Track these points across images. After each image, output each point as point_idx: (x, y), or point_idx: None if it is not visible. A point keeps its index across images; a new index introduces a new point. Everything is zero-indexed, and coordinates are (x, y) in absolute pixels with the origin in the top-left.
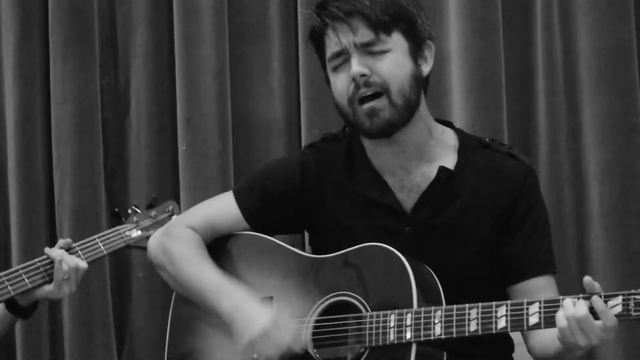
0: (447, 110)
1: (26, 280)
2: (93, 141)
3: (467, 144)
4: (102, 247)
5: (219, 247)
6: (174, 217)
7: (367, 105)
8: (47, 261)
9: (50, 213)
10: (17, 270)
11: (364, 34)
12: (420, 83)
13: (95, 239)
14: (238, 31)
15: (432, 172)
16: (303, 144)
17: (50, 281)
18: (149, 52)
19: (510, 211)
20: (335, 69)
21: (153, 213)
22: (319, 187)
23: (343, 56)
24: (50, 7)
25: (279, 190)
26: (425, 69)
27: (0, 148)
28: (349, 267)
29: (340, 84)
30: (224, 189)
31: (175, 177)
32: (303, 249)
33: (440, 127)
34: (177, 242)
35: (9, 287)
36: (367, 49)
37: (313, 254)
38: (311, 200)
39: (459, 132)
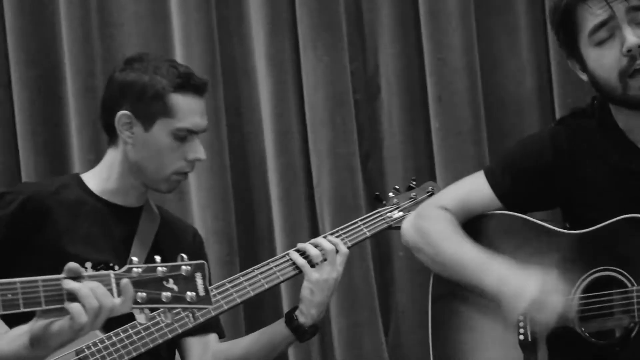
0: None
1: (277, 273)
2: (347, 125)
3: None
4: (364, 229)
5: (472, 228)
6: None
7: None
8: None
9: (309, 197)
10: (267, 264)
11: None
12: None
13: (357, 222)
14: (483, 5)
15: None
16: (557, 115)
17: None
18: (395, 33)
19: None
20: (600, 43)
21: (413, 194)
22: (572, 161)
23: (608, 26)
24: None
25: (531, 167)
26: None
27: (258, 136)
28: (609, 241)
29: (609, 58)
30: (480, 165)
31: (430, 155)
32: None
33: None
34: (431, 222)
35: (262, 281)
36: (638, 16)
37: (569, 229)
38: (564, 175)
39: None
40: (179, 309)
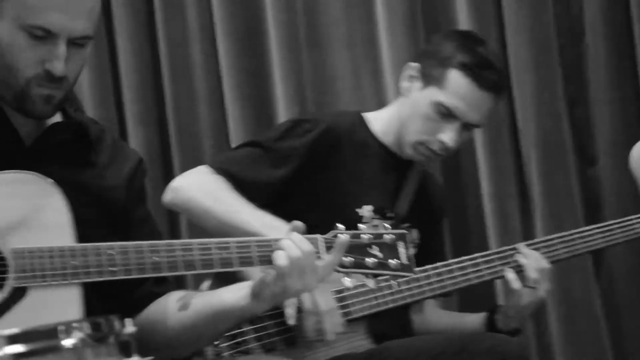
0: None
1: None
2: (551, 69)
3: None
4: (619, 234)
5: None
6: None
7: None
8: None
9: (514, 142)
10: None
11: None
12: None
13: (613, 225)
14: None
15: None
16: None
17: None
18: None
19: None
20: None
21: None
22: None
23: None
24: None
25: None
26: None
27: None
28: None
29: None
30: None
31: (639, 99)
32: None
33: None
34: None
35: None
36: None
37: None
38: None
39: None
40: (384, 276)
